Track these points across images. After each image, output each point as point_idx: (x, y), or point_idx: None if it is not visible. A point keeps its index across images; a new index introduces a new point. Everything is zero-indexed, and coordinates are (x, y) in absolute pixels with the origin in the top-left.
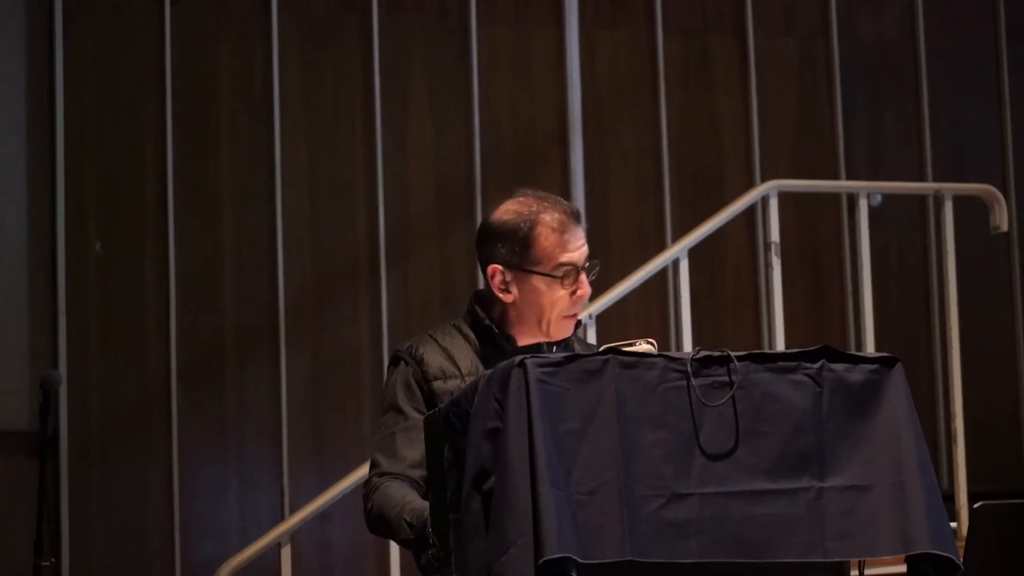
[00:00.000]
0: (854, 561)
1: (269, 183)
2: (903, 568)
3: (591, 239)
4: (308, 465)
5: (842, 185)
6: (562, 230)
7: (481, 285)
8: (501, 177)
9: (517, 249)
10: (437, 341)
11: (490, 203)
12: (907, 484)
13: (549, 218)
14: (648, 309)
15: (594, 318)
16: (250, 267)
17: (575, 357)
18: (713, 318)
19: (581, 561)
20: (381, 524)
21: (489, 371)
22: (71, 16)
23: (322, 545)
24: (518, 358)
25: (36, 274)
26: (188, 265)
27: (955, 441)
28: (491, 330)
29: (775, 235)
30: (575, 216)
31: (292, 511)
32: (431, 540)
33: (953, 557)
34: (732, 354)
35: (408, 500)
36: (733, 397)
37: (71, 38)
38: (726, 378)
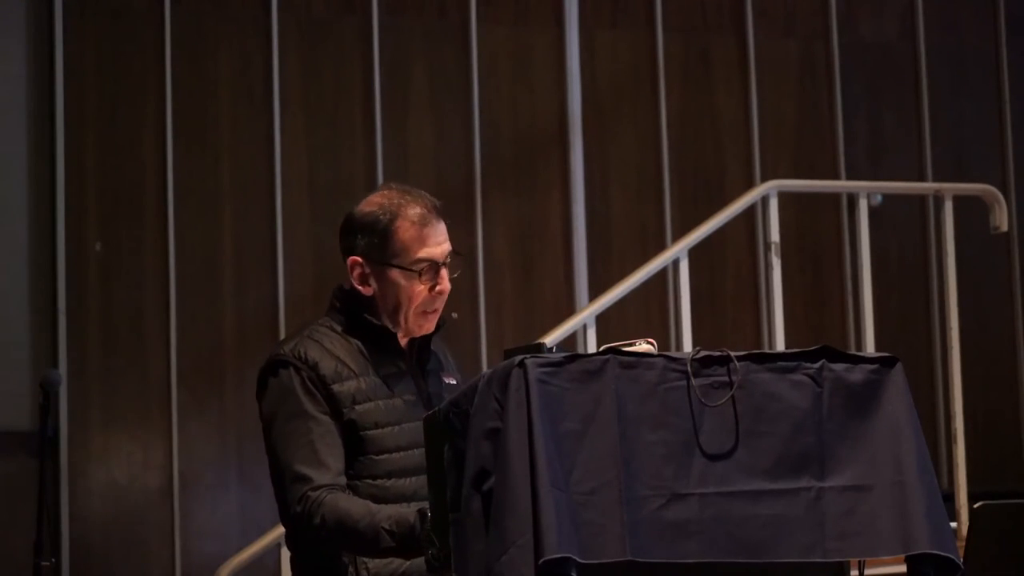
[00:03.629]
0: (854, 561)
1: (269, 183)
2: (903, 568)
3: (591, 238)
4: None
5: (842, 185)
6: (422, 224)
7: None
8: (501, 177)
9: (376, 241)
10: (320, 343)
11: (490, 203)
12: (907, 484)
13: (410, 212)
14: (648, 309)
15: (594, 318)
16: (250, 267)
17: (575, 357)
18: (713, 318)
19: (581, 561)
20: (342, 538)
21: (489, 371)
22: (71, 16)
23: None
24: (518, 358)
25: (36, 274)
26: (188, 265)
27: (955, 441)
28: (378, 329)
29: (775, 235)
30: (437, 211)
31: None
32: (431, 540)
33: (953, 557)
34: (732, 354)
35: (374, 509)
36: (733, 397)
37: (71, 38)
38: (726, 378)
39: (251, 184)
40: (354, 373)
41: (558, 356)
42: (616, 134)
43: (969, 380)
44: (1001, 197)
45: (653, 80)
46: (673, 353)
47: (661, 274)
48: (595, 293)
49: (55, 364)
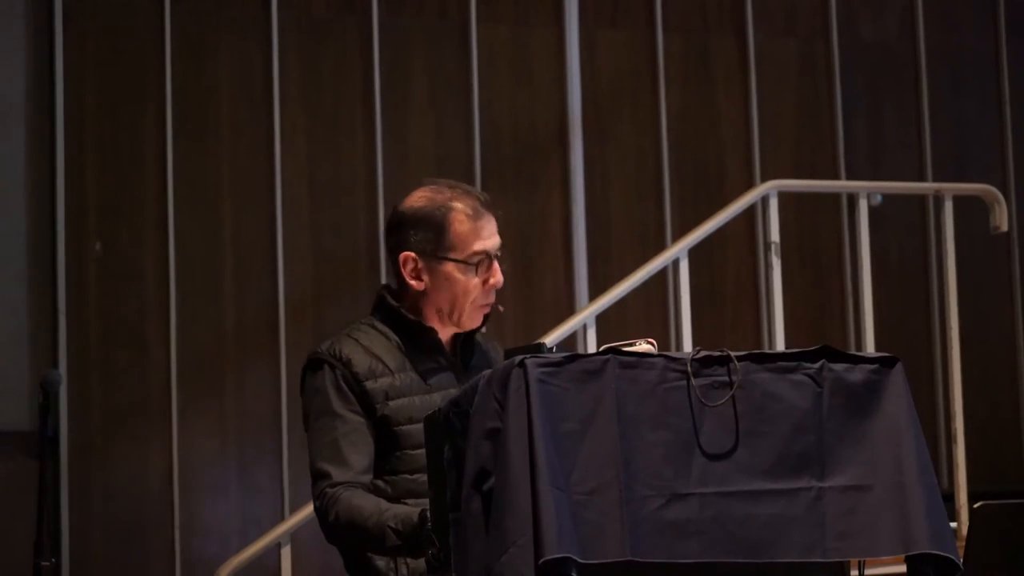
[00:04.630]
0: (854, 561)
1: (269, 183)
2: (903, 568)
3: (591, 238)
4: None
5: (842, 185)
6: (476, 217)
7: (383, 280)
8: (501, 177)
9: (431, 235)
10: (358, 341)
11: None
12: (907, 484)
13: (462, 205)
14: (648, 309)
15: (594, 318)
16: (250, 267)
17: (575, 357)
18: (713, 318)
19: (581, 561)
20: (353, 535)
21: (489, 371)
22: (71, 16)
23: (322, 545)
24: (518, 358)
25: (36, 274)
26: (188, 265)
27: (955, 441)
28: (414, 325)
29: (775, 235)
30: (488, 205)
31: (292, 511)
32: (432, 539)
33: (953, 557)
34: (732, 354)
35: (384, 507)
36: (733, 397)
37: (71, 38)
38: (726, 378)
39: (251, 184)
40: (389, 370)
41: (558, 356)
42: (616, 134)
43: (969, 380)
44: (1001, 197)
45: (653, 80)
46: (673, 353)
47: (661, 274)
48: (595, 293)
49: (55, 364)
